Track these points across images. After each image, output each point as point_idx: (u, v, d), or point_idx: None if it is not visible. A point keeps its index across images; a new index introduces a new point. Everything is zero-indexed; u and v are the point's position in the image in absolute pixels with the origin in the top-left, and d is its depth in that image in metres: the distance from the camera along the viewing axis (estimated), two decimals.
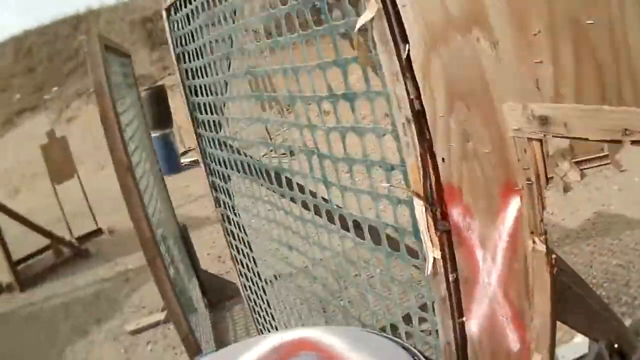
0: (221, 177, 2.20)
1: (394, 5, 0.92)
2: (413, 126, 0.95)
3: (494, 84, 0.80)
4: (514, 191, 0.85)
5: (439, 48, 0.87)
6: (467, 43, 0.81)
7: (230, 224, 2.29)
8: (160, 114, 8.62)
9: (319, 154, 1.39)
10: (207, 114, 2.11)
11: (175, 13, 2.21)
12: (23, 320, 4.80)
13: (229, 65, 1.90)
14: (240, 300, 3.84)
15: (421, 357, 1.23)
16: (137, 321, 3.94)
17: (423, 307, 1.27)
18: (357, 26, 0.99)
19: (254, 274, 2.24)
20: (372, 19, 0.95)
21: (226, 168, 2.09)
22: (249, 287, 2.36)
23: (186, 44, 2.18)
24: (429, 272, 1.06)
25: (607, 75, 0.64)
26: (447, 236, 1.02)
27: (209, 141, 2.19)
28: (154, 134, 8.22)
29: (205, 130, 2.16)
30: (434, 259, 1.04)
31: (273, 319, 2.30)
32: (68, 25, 16.88)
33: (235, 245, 2.32)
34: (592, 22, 0.62)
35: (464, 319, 1.07)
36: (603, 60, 0.64)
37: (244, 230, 2.20)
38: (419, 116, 0.95)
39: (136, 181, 2.26)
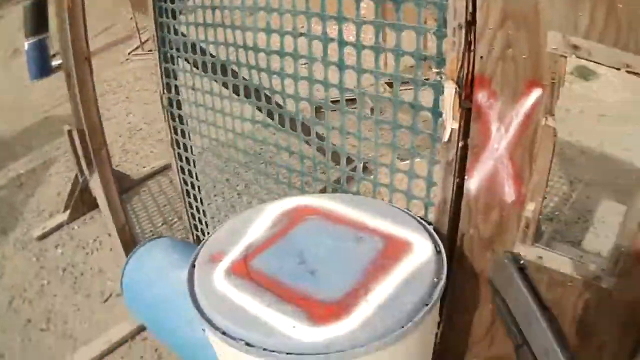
0: (175, 62, 2.30)
1: None
2: (463, 31, 1.25)
3: (544, 14, 1.13)
4: (539, 85, 1.21)
5: None
6: None
7: (172, 107, 2.42)
8: (37, 21, 7.96)
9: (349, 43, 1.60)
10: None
11: None
12: None
13: None
14: (136, 191, 3.99)
15: (418, 217, 1.54)
16: (42, 225, 3.74)
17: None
18: None
19: (188, 148, 2.48)
20: None
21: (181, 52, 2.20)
22: (183, 157, 2.54)
23: None
24: (445, 139, 1.36)
25: (622, 32, 1.05)
26: (467, 113, 1.32)
27: (170, 28, 2.24)
28: (32, 40, 7.95)
29: (169, 19, 2.20)
30: (452, 129, 1.34)
31: (199, 191, 2.60)
32: None
33: (174, 127, 2.47)
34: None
35: (466, 177, 1.40)
36: (621, 22, 1.04)
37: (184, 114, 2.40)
38: (470, 24, 1.25)
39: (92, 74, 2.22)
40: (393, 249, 1.41)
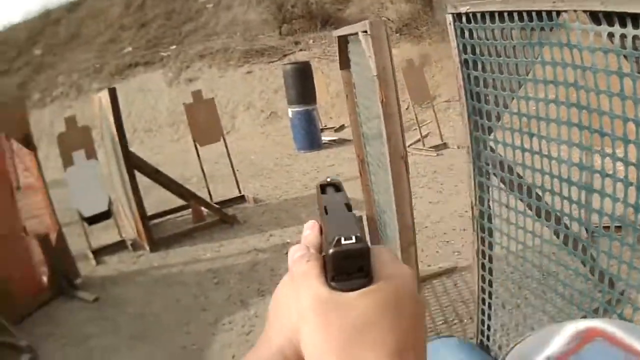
0: (489, 177, 2.35)
1: None
2: None
3: None
4: None
5: None
6: None
7: (483, 219, 2.42)
8: (304, 90, 8.75)
9: None
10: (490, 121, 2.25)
11: (468, 22, 2.35)
12: (164, 282, 4.83)
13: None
14: (420, 288, 3.93)
15: None
16: None
17: None
18: None
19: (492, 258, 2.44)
20: None
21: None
22: (486, 267, 2.50)
23: (475, 54, 2.32)
24: None
25: None
26: None
27: (484, 143, 2.33)
28: (298, 109, 8.62)
29: (484, 134, 2.30)
30: None
31: (491, 298, 2.53)
32: None
33: (482, 238, 2.46)
34: None
35: None
36: None
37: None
38: None
39: (408, 169, 2.43)
40: None
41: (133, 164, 5.54)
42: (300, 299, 0.44)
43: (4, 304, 4.41)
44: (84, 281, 5.15)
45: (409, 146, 8.07)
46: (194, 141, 6.63)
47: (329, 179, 0.58)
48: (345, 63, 3.46)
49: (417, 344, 0.43)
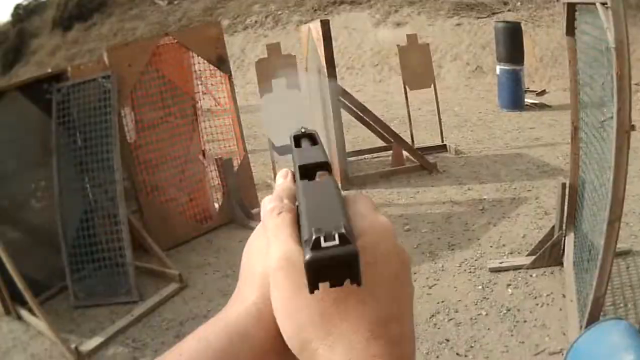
0: None
1: None
2: None
3: None
4: None
5: None
6: None
7: None
8: (514, 49, 8.56)
9: None
10: None
11: None
12: None
13: None
14: None
15: None
16: (499, 260, 3.79)
17: None
18: None
19: None
20: None
21: None
22: None
23: None
24: None
25: None
26: None
27: None
28: (506, 67, 8.49)
29: None
30: None
31: None
32: None
33: None
34: None
35: None
36: None
37: None
38: None
39: (629, 144, 2.38)
40: None
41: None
42: (270, 256, 0.39)
43: (164, 226, 4.69)
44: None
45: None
46: (404, 84, 6.64)
47: (303, 130, 0.50)
48: (571, 30, 3.38)
49: (403, 313, 0.38)
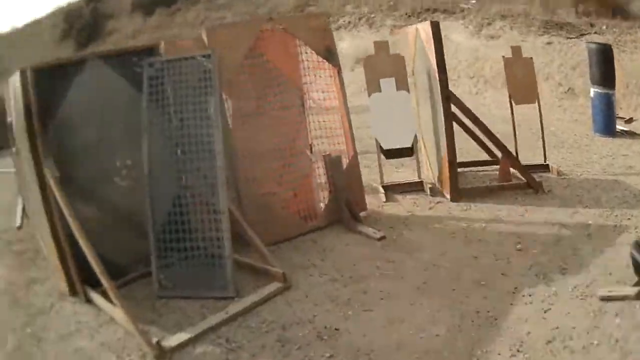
0: None
1: None
2: None
3: None
4: None
5: None
6: None
7: None
8: (607, 72, 8.25)
9: None
10: None
11: None
12: (463, 236, 4.69)
13: None
14: None
15: None
16: (608, 288, 3.62)
17: None
18: None
19: None
20: None
21: None
22: None
23: None
24: None
25: None
26: None
27: None
28: (599, 90, 8.20)
29: None
30: None
31: None
32: None
33: None
34: None
35: None
36: None
37: None
38: None
39: None
40: None
41: (452, 106, 5.33)
42: None
43: (264, 220, 4.36)
44: (369, 216, 5.05)
45: None
46: (510, 98, 6.36)
47: None
48: None
49: None
